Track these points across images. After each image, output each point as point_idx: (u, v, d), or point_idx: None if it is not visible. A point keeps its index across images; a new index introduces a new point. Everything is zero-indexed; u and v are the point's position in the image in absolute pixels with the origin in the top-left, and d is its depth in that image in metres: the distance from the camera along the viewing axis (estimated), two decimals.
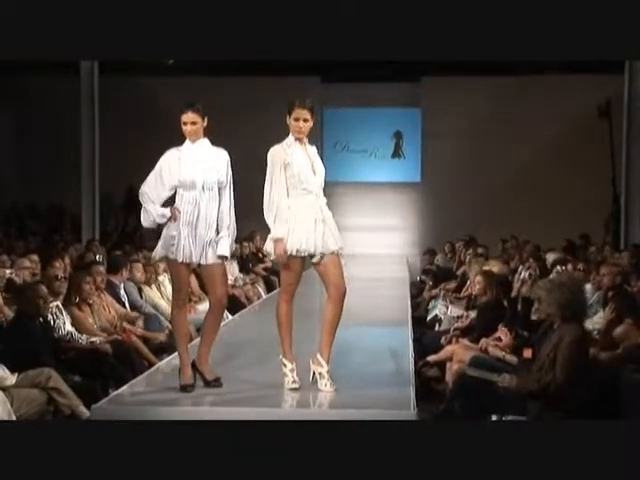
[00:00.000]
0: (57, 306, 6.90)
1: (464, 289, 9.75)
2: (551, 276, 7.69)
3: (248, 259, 12.90)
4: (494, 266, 8.54)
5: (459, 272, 11.53)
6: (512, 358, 6.10)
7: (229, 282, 11.42)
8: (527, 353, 5.85)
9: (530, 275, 8.59)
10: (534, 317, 6.57)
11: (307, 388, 5.24)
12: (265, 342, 6.65)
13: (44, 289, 6.53)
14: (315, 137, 19.47)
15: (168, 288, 9.06)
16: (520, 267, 10.10)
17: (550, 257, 9.54)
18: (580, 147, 15.96)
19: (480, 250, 11.39)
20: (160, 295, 8.75)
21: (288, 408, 5.00)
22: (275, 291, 11.42)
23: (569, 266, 8.94)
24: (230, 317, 9.06)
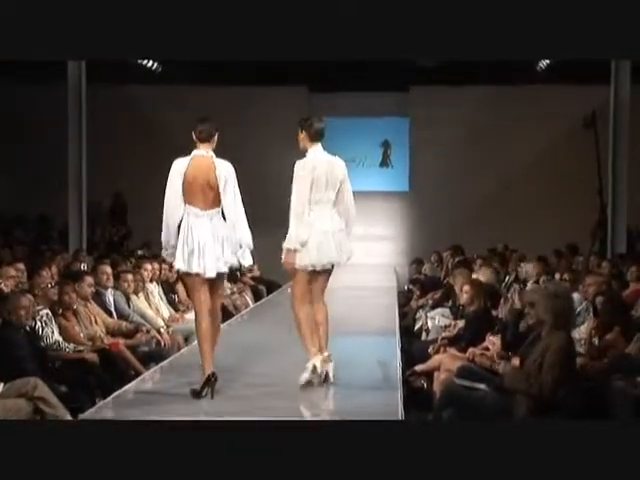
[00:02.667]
0: (47, 314, 6.87)
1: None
2: (543, 284, 7.73)
3: (236, 268, 12.86)
4: (482, 275, 8.57)
5: (446, 281, 11.55)
6: (500, 367, 6.12)
7: None
8: (515, 362, 5.88)
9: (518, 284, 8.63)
10: (522, 327, 6.61)
11: (294, 397, 5.25)
12: (252, 350, 6.66)
13: (28, 299, 6.48)
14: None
15: (157, 297, 9.05)
16: (507, 277, 10.16)
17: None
18: (567, 157, 16.06)
19: (462, 259, 11.41)
20: (148, 305, 8.72)
21: (276, 417, 4.99)
22: (263, 300, 11.42)
23: (556, 276, 8.99)
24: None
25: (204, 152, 5.52)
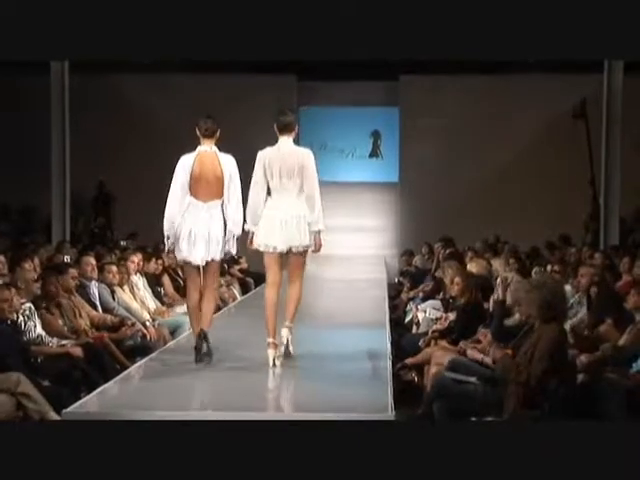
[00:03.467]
0: (29, 308, 6.82)
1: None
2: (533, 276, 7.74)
3: (223, 260, 12.83)
4: (475, 267, 8.57)
5: (437, 273, 11.56)
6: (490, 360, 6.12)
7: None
8: (507, 351, 5.88)
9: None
10: (512, 320, 6.63)
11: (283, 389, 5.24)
12: (240, 344, 6.64)
13: (10, 292, 6.45)
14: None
15: (141, 290, 9.02)
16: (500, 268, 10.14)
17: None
18: (559, 147, 16.08)
19: (453, 250, 11.40)
20: (133, 297, 8.69)
21: (262, 411, 4.99)
22: (251, 293, 11.41)
23: (548, 267, 9.01)
24: None
25: (208, 148, 6.03)
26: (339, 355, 6.47)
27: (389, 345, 6.93)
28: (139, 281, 9.09)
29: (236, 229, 6.03)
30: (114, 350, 7.22)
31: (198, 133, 6.04)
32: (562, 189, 16.01)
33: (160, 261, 9.89)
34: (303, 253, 6.07)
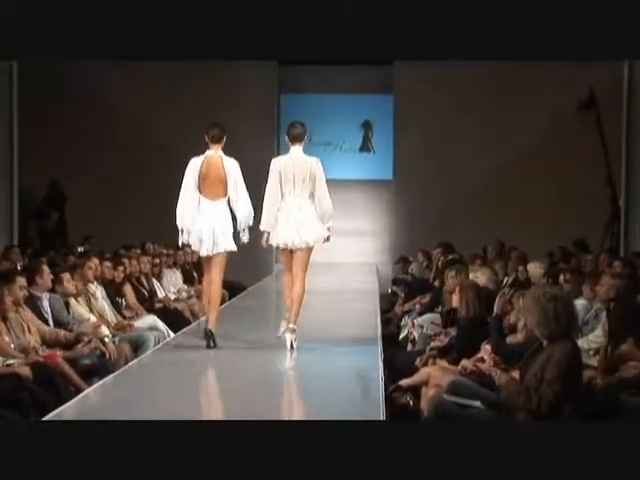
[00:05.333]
0: None
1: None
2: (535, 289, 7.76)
3: (193, 268, 12.86)
4: (480, 276, 8.60)
5: (436, 283, 11.61)
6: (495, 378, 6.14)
7: (171, 295, 11.40)
8: (514, 373, 5.91)
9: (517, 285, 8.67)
10: (514, 338, 6.66)
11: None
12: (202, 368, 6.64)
13: None
14: (271, 127, 19.56)
15: (100, 301, 9.00)
16: (506, 278, 10.20)
17: (534, 269, 9.60)
18: (571, 139, 16.03)
19: (454, 257, 11.46)
20: (90, 309, 8.67)
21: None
22: (226, 304, 11.39)
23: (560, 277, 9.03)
24: (171, 334, 9.01)
25: (214, 152, 7.72)
26: (325, 376, 6.48)
27: (381, 364, 6.95)
28: (97, 291, 9.07)
29: (247, 221, 7.76)
30: (68, 370, 7.20)
31: (206, 139, 7.71)
32: (575, 189, 16.04)
33: (121, 268, 9.89)
34: (308, 249, 7.75)
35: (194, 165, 7.74)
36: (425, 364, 7.49)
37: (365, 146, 18.08)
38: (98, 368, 7.52)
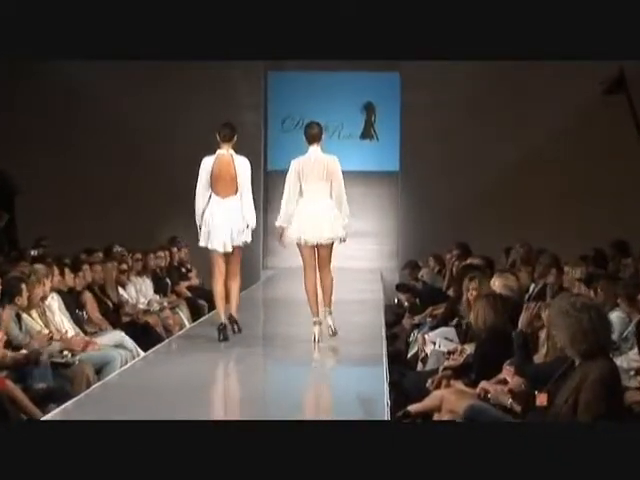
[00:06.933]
0: None
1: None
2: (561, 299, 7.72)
3: (166, 275, 12.82)
4: (502, 284, 8.56)
5: (450, 292, 11.59)
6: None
7: (141, 306, 11.35)
8: (541, 400, 5.87)
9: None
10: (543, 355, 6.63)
11: None
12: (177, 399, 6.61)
13: None
14: (257, 110, 19.54)
15: (57, 314, 8.95)
16: (532, 285, 10.18)
17: (575, 273, 9.57)
18: (597, 126, 16.00)
19: (476, 262, 11.42)
20: (45, 323, 8.61)
21: None
22: (203, 318, 11.36)
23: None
24: (141, 353, 8.98)
25: (225, 151, 9.06)
26: (324, 400, 6.47)
27: (387, 387, 6.94)
28: (54, 302, 9.03)
29: (251, 221, 9.11)
30: (18, 395, 7.16)
31: (218, 138, 9.05)
32: (605, 183, 16.02)
33: (82, 274, 9.86)
34: (331, 245, 9.04)
35: (206, 164, 9.03)
36: (438, 386, 7.47)
37: (367, 132, 18.06)
38: (55, 393, 7.49)
